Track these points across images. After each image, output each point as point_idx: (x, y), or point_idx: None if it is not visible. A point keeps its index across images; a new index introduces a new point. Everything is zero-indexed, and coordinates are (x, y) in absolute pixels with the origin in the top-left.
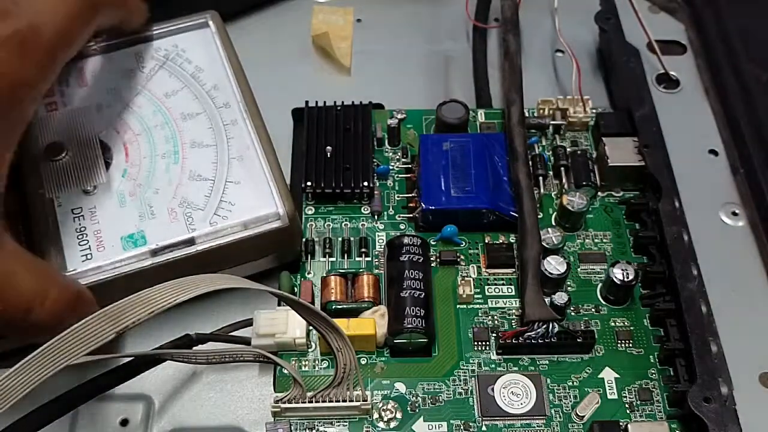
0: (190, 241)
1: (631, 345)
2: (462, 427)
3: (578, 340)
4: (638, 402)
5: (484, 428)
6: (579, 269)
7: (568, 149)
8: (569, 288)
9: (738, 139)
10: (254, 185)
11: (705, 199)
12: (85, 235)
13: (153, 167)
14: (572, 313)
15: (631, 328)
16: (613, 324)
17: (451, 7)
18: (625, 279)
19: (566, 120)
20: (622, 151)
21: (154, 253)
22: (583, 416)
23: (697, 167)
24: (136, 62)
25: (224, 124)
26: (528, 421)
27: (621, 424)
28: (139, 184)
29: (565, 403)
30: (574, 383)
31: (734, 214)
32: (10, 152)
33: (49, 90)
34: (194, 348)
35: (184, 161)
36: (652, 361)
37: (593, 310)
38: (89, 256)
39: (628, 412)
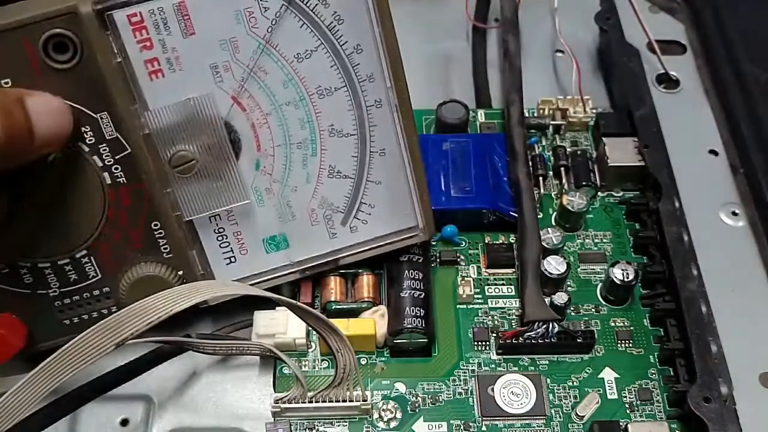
0: (332, 255)
1: (631, 345)
2: (462, 427)
3: (578, 340)
4: (638, 402)
5: (484, 428)
6: (579, 269)
7: (568, 149)
8: (569, 288)
9: (738, 139)
10: (397, 187)
11: (705, 199)
12: (224, 237)
13: (289, 159)
14: (572, 313)
15: (631, 328)
16: (613, 324)
17: (451, 7)
18: (625, 279)
19: (566, 120)
20: (622, 151)
21: (299, 264)
22: (583, 416)
23: (697, 167)
24: None
25: (367, 106)
26: (528, 421)
27: (621, 424)
28: (275, 180)
29: (565, 403)
30: (574, 383)
31: (734, 214)
32: None
33: (147, 43)
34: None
35: (323, 153)
36: (652, 361)
37: (593, 310)
38: (233, 259)
39: (628, 412)
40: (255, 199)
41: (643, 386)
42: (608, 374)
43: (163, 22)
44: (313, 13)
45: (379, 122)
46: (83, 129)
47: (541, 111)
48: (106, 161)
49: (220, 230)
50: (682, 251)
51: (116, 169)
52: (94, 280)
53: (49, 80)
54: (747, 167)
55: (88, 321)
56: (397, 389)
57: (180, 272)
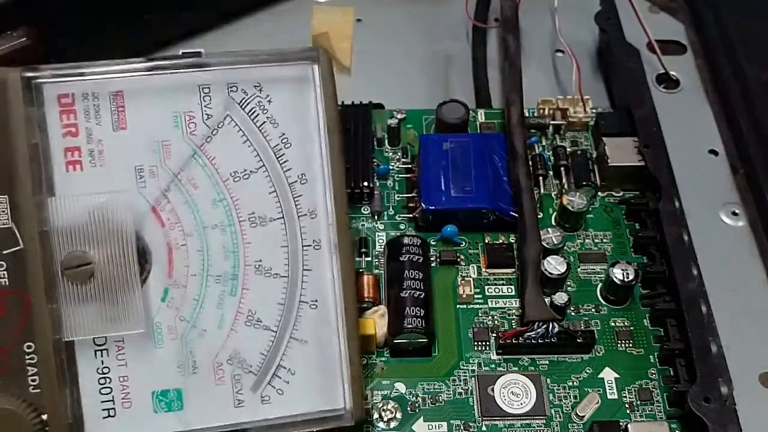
0: (234, 429)
1: (631, 345)
2: (462, 427)
3: (578, 340)
4: (638, 402)
5: (484, 428)
6: (579, 269)
7: (568, 149)
8: (569, 288)
9: (738, 139)
10: (324, 353)
11: (705, 199)
12: (108, 380)
13: (203, 294)
14: (572, 313)
15: (631, 328)
16: (613, 324)
17: (451, 7)
18: (625, 279)
19: (566, 120)
20: (622, 151)
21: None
22: (583, 416)
23: (697, 167)
24: (199, 98)
25: (303, 246)
26: (528, 421)
27: (621, 424)
28: (182, 317)
29: (565, 403)
30: (574, 383)
31: (734, 214)
32: None
33: (72, 129)
34: None
35: (243, 293)
36: (652, 361)
37: (593, 310)
38: (112, 413)
39: (628, 412)
40: (154, 338)
41: (643, 386)
42: (608, 374)
43: (95, 108)
44: (260, 130)
45: (315, 267)
46: None
47: (541, 111)
48: None
49: (104, 371)
50: (682, 251)
51: (0, 266)
52: None
53: None
54: (747, 167)
55: None
56: (397, 389)
57: (43, 416)
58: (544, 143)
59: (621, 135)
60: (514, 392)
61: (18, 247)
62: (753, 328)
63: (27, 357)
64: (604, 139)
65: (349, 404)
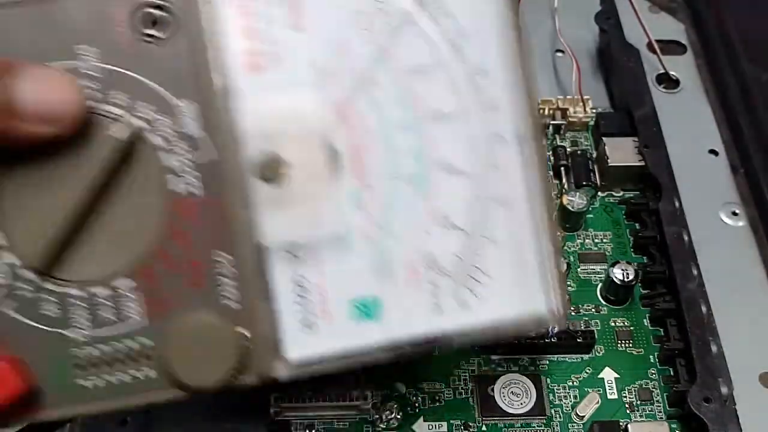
0: (434, 341)
1: (631, 345)
2: (462, 427)
3: (578, 340)
4: (638, 402)
5: (484, 428)
6: (579, 269)
7: (568, 149)
8: (569, 288)
9: (738, 139)
10: (520, 254)
11: (705, 199)
12: (305, 290)
13: (393, 197)
14: (572, 313)
15: (631, 328)
16: (613, 324)
17: None
18: (625, 279)
19: (566, 120)
20: (622, 151)
21: (391, 349)
22: (583, 416)
23: (697, 167)
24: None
25: (487, 138)
26: (528, 421)
27: (621, 424)
28: (376, 222)
29: (565, 403)
30: (574, 383)
31: (734, 214)
32: None
33: (250, 31)
34: None
35: (433, 195)
36: (652, 361)
37: (593, 310)
38: (312, 326)
39: (628, 412)
40: (348, 244)
41: (643, 386)
42: (608, 374)
43: (271, 10)
44: (437, 24)
45: (503, 163)
46: (158, 117)
47: (541, 111)
48: (180, 163)
49: (300, 279)
50: (682, 251)
51: (191, 175)
52: (134, 325)
53: (134, 54)
54: (747, 167)
55: (112, 388)
56: (397, 389)
57: (247, 332)
58: (544, 143)
59: (621, 135)
60: (514, 392)
61: (208, 155)
62: (753, 328)
63: (224, 268)
64: (604, 139)
65: (556, 306)
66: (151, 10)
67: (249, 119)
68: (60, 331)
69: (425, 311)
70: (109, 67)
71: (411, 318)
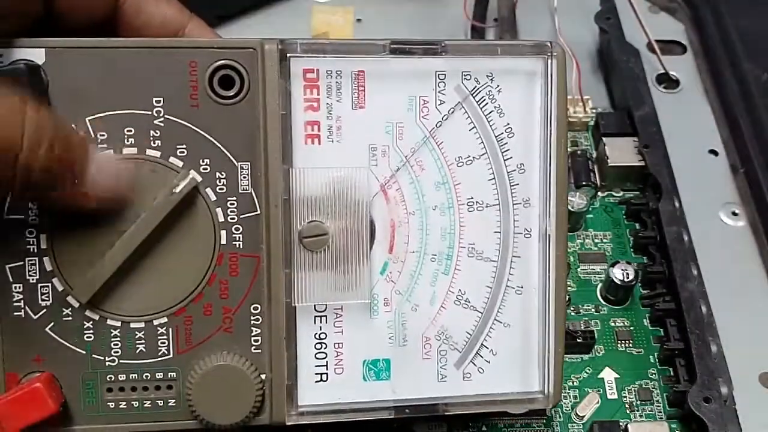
0: (437, 402)
1: (631, 345)
2: (462, 427)
3: (578, 340)
4: (638, 402)
5: (484, 428)
6: (579, 269)
7: (568, 149)
8: (569, 288)
9: (738, 139)
10: (526, 337)
11: (705, 199)
12: (324, 345)
13: (418, 271)
14: (572, 313)
15: (631, 328)
16: (613, 324)
17: (450, 7)
18: (625, 279)
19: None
20: (622, 151)
21: (397, 409)
22: (583, 416)
23: (697, 167)
24: (434, 84)
25: (515, 233)
26: (528, 421)
27: (621, 424)
28: (398, 290)
29: (565, 403)
30: (574, 383)
31: (734, 214)
32: None
33: (314, 103)
34: None
35: (455, 274)
36: (652, 361)
37: (593, 310)
38: (324, 377)
39: (628, 412)
40: (370, 309)
41: (643, 386)
42: (608, 374)
43: (336, 86)
44: (486, 118)
45: (523, 254)
46: (217, 174)
47: None
48: (229, 217)
49: (321, 337)
50: (682, 251)
51: (237, 229)
52: (163, 358)
53: (203, 111)
54: (747, 167)
55: (135, 410)
56: None
57: (263, 375)
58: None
59: (621, 135)
60: None
61: (255, 213)
62: (753, 328)
63: (253, 318)
64: (604, 139)
65: (547, 388)
66: (227, 72)
67: (298, 186)
68: (94, 355)
69: (431, 379)
70: (180, 121)
71: (417, 384)
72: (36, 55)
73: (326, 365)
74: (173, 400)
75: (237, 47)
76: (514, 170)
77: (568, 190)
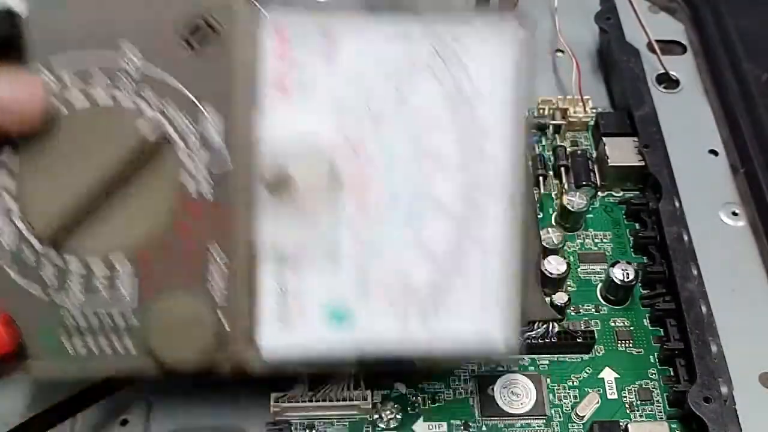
0: (398, 351)
1: (631, 345)
2: (462, 427)
3: (578, 340)
4: (638, 402)
5: (484, 428)
6: (579, 269)
7: (568, 149)
8: (569, 288)
9: (738, 139)
10: (488, 290)
11: (705, 199)
12: (285, 293)
13: (383, 222)
14: (572, 313)
15: (631, 328)
16: (613, 324)
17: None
18: (625, 279)
19: (566, 120)
20: (622, 151)
21: (359, 352)
22: (583, 416)
23: (697, 167)
24: (405, 47)
25: (479, 186)
26: (528, 421)
27: (621, 424)
28: (362, 240)
29: (565, 403)
30: (574, 383)
31: (734, 214)
32: None
33: (285, 57)
34: None
35: (419, 225)
36: (652, 361)
37: (593, 310)
38: (286, 323)
39: (628, 412)
40: (333, 256)
41: (643, 386)
42: (608, 374)
43: (309, 44)
44: (454, 79)
45: (486, 208)
46: (185, 121)
47: (541, 111)
48: (195, 164)
49: (284, 282)
50: (682, 251)
51: (203, 176)
52: (124, 303)
53: (175, 59)
54: (747, 167)
55: (94, 355)
56: (397, 389)
57: (224, 320)
58: (544, 143)
59: (621, 135)
60: (514, 392)
61: (222, 160)
62: (753, 328)
63: (215, 263)
64: (604, 139)
65: (507, 336)
66: (200, 23)
67: (268, 136)
68: (54, 297)
69: (392, 327)
70: (147, 65)
71: (378, 331)
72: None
73: (288, 311)
74: (132, 345)
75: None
76: (481, 130)
77: (529, 149)
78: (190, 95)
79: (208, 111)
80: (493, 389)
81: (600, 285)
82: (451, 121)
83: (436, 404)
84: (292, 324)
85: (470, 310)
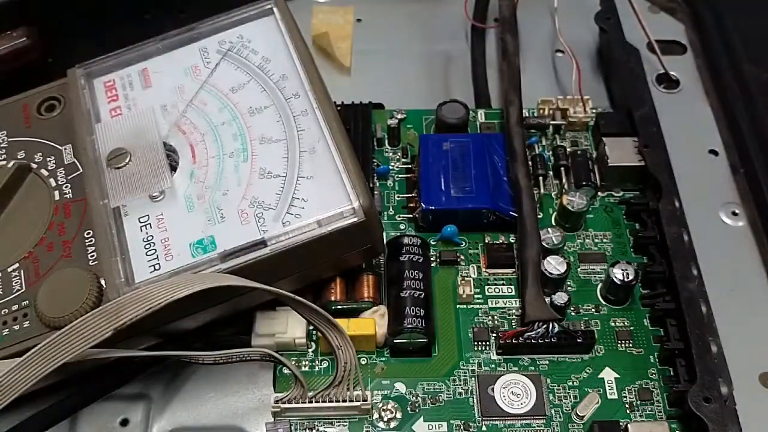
0: (261, 243)
1: (631, 345)
2: (462, 427)
3: (578, 340)
4: (638, 402)
5: (484, 428)
6: (579, 269)
7: (568, 149)
8: (569, 288)
9: (738, 139)
10: (327, 179)
11: (705, 199)
12: (152, 244)
13: (221, 167)
14: (572, 313)
15: (631, 328)
16: (613, 324)
17: (450, 7)
18: (625, 279)
19: (566, 120)
20: (622, 151)
21: (224, 258)
22: (583, 416)
23: (697, 167)
24: (200, 58)
25: (294, 116)
26: (528, 421)
27: (621, 424)
28: (207, 186)
29: (565, 403)
30: (574, 383)
31: (734, 214)
32: None
33: (114, 97)
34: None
35: (253, 159)
36: (652, 361)
37: (593, 310)
38: (157, 266)
39: (628, 412)
40: (186, 205)
41: (643, 386)
42: (608, 374)
43: (129, 81)
44: (246, 59)
45: (306, 127)
46: (47, 159)
47: (541, 111)
48: (59, 181)
49: (149, 238)
50: (682, 251)
51: (66, 186)
52: (17, 293)
53: (34, 128)
54: (747, 167)
55: (5, 339)
56: (397, 389)
57: (101, 279)
58: (544, 143)
59: (621, 135)
60: (514, 392)
61: (78, 172)
62: (753, 328)
63: (87, 241)
64: (604, 139)
65: (356, 202)
66: (50, 101)
67: (105, 135)
68: None
69: (253, 234)
70: (19, 139)
71: (239, 239)
72: None
73: (157, 257)
74: (27, 322)
75: (54, 84)
76: (279, 80)
77: (321, 83)
78: (47, 142)
79: (62, 145)
80: (493, 389)
81: (600, 285)
82: (255, 82)
83: (436, 404)
84: (163, 267)
85: (319, 197)
